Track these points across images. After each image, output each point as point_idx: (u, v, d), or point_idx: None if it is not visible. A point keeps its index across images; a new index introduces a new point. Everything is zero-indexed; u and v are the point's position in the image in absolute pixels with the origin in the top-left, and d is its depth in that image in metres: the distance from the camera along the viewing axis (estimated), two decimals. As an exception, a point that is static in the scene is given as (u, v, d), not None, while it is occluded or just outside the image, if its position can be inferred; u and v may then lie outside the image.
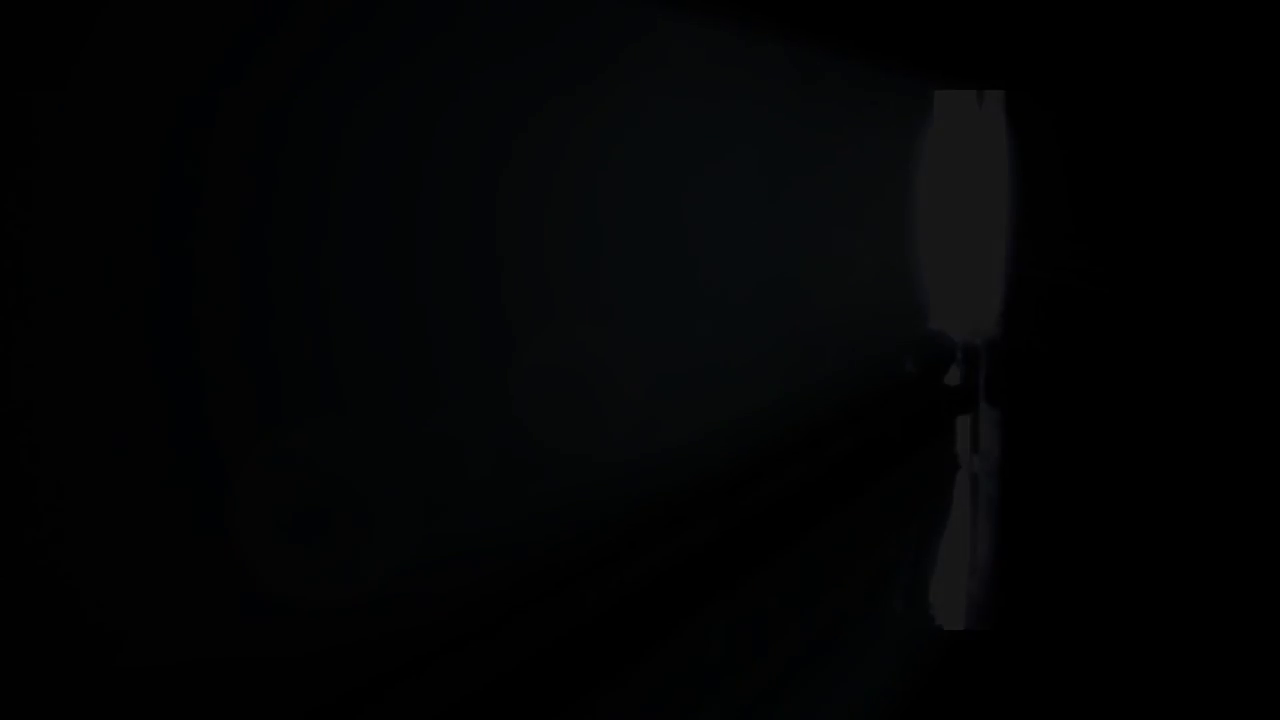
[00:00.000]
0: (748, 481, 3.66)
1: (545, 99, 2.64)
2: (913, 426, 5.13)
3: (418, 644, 2.19)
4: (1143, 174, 5.91)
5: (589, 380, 2.84)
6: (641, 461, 3.09)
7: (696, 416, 3.41)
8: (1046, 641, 2.84)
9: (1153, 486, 4.35)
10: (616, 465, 2.97)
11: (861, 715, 2.49)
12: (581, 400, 2.81)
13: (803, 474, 4.01)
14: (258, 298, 1.87)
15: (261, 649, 1.87)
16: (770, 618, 3.00)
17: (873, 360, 4.96)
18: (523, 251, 2.57)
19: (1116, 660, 2.71)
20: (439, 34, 2.30)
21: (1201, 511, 3.99)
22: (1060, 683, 2.59)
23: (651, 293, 3.16)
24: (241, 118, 1.84)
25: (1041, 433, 5.38)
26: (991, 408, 5.76)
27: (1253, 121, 5.59)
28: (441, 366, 2.33)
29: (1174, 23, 5.30)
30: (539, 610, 2.56)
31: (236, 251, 1.85)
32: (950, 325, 5.88)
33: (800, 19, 3.94)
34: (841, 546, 3.67)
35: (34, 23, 1.51)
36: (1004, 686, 2.59)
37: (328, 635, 1.99)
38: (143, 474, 1.68)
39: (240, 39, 1.83)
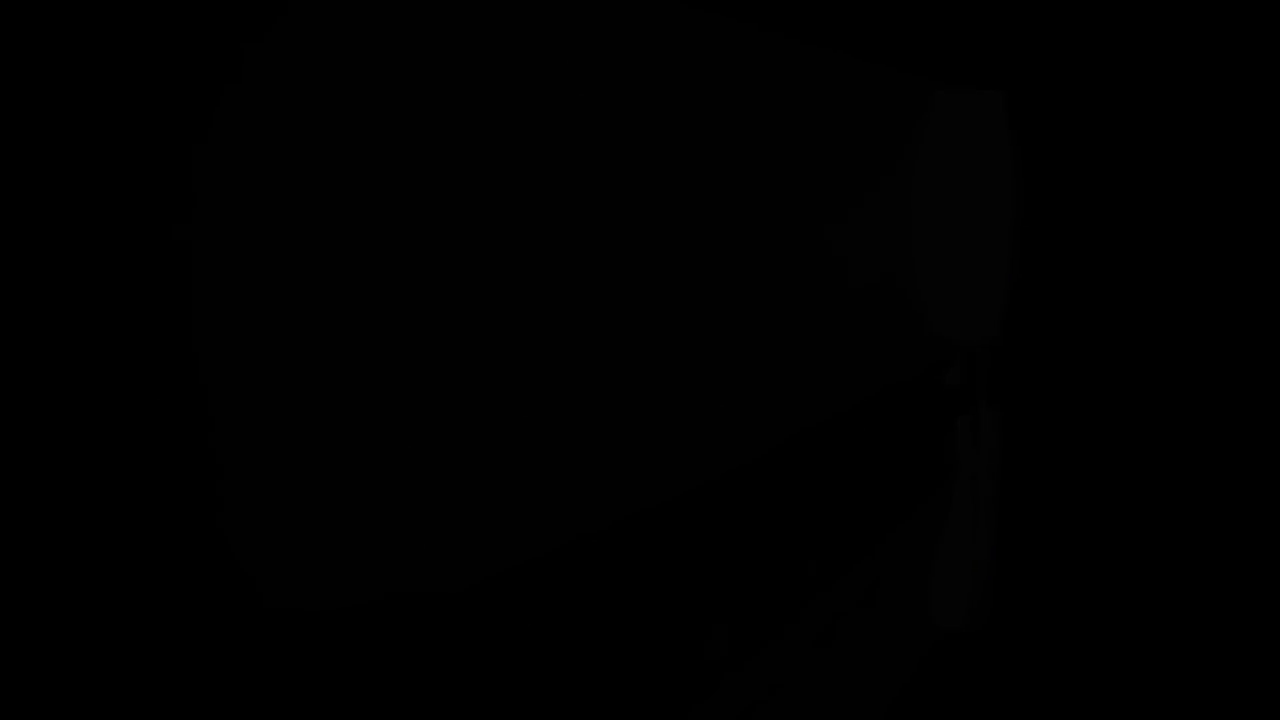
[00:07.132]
0: (743, 480, 3.66)
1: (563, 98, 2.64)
2: (912, 426, 5.12)
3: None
4: (1145, 173, 5.91)
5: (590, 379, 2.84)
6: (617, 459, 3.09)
7: (691, 415, 3.40)
8: (1045, 641, 2.83)
9: (1153, 488, 4.34)
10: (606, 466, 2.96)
11: (861, 713, 2.49)
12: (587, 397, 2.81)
13: (801, 473, 4.00)
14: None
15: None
16: (765, 614, 2.99)
17: (872, 360, 4.95)
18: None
19: (1114, 659, 2.71)
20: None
21: (1199, 516, 3.99)
22: (1058, 681, 2.59)
23: (640, 291, 3.15)
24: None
25: (1041, 433, 5.38)
26: (991, 408, 5.76)
27: (1256, 118, 5.59)
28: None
29: (1175, 24, 5.30)
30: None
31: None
32: (950, 325, 5.88)
33: (801, 19, 3.94)
34: (840, 545, 3.67)
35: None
36: (1002, 685, 2.58)
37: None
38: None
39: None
